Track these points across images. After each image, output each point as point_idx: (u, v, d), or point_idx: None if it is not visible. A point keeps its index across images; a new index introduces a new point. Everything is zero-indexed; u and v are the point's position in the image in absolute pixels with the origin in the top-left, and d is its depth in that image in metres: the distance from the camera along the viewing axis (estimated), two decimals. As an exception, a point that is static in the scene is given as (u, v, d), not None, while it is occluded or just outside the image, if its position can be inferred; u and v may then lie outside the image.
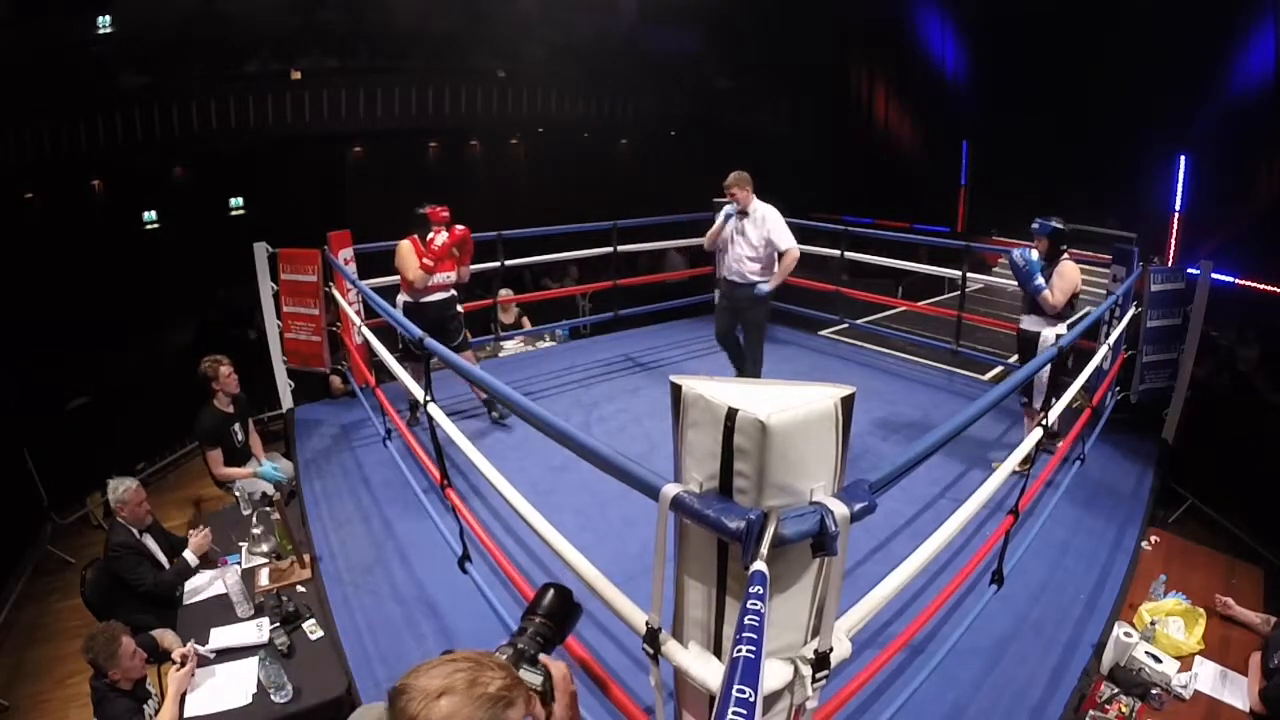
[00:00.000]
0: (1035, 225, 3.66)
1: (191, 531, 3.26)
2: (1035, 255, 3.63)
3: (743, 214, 4.13)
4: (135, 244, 8.95)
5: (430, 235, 3.93)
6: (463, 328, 4.31)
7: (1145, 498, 3.61)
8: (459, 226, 3.97)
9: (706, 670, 1.26)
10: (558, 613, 1.18)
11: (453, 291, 4.18)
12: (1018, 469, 2.42)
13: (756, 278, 4.17)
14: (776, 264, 4.16)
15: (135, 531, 3.12)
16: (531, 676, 1.06)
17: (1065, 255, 3.61)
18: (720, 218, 4.21)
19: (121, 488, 3.09)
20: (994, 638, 2.58)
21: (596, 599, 1.56)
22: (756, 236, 4.10)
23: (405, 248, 3.96)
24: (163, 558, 3.18)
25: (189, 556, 3.11)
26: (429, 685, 0.86)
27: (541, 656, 1.12)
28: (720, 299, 4.61)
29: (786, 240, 4.10)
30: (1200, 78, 8.44)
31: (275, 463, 4.20)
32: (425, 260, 3.91)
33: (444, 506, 3.00)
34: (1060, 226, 3.62)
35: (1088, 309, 3.71)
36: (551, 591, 1.20)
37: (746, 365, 4.45)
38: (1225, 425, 4.47)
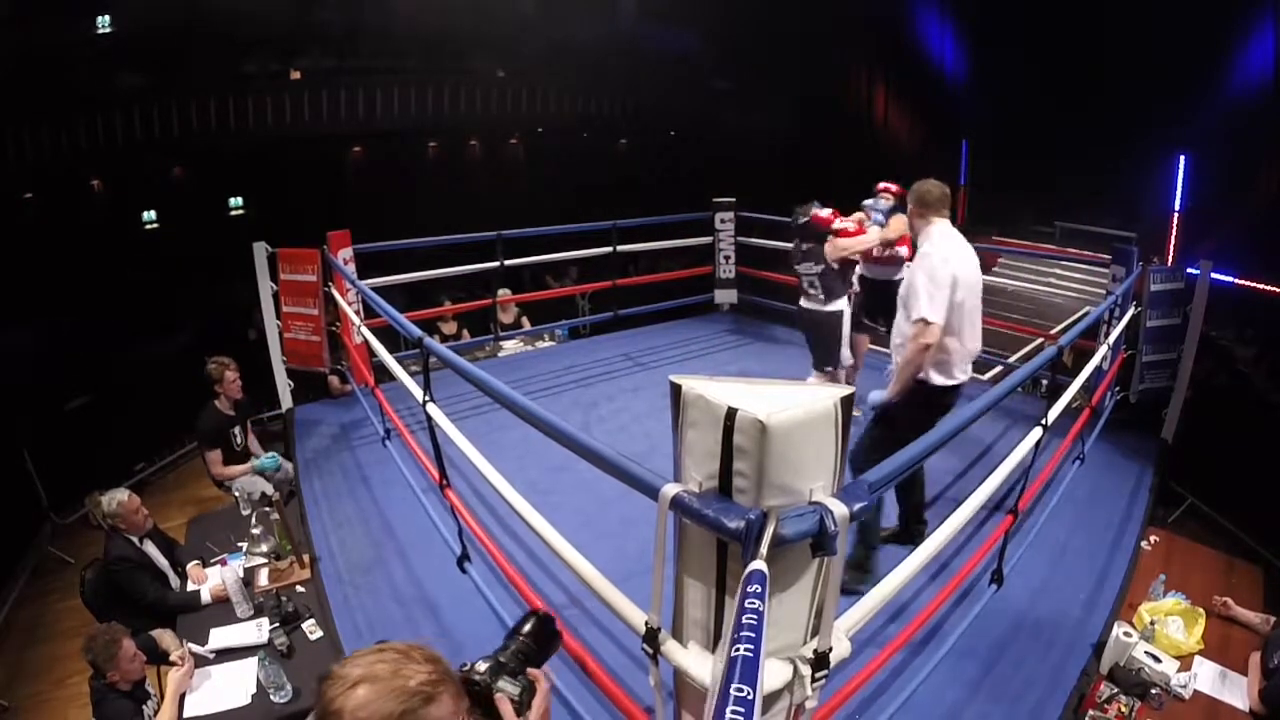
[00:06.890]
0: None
1: (201, 566, 3.21)
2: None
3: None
4: (135, 244, 8.96)
5: None
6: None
7: (1145, 498, 3.60)
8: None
9: (706, 670, 1.26)
10: (539, 636, 1.24)
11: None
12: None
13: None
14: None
15: (136, 540, 3.03)
16: (510, 686, 1.10)
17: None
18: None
19: (115, 501, 2.95)
20: (993, 638, 2.58)
21: (595, 598, 1.56)
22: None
23: None
24: (164, 562, 3.15)
25: (204, 594, 2.94)
26: (350, 673, 0.86)
27: (530, 670, 1.17)
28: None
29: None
30: (1200, 77, 8.45)
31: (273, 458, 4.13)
32: None
33: (443, 506, 3.00)
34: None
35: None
36: (535, 617, 1.26)
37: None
38: (1225, 425, 4.47)
